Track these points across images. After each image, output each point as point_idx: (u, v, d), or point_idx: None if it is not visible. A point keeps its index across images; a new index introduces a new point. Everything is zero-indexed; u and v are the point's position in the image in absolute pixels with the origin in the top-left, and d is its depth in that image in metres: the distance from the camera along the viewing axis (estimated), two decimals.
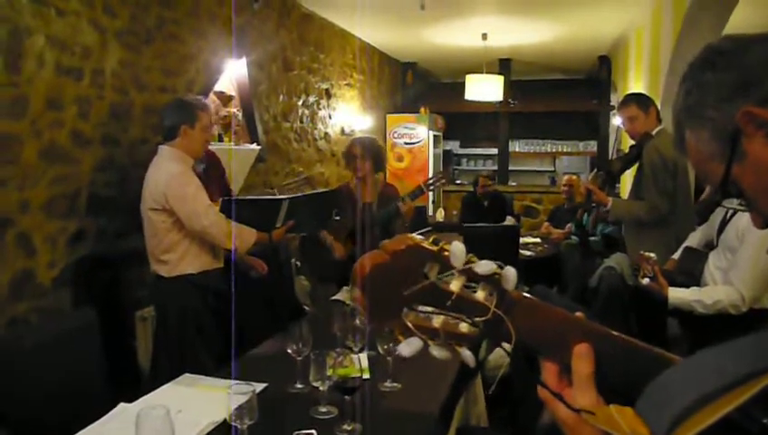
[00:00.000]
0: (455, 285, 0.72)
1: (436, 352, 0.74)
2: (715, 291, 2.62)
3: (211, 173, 3.57)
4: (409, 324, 0.73)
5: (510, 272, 0.73)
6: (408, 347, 0.73)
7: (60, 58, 3.27)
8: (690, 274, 2.82)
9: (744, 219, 2.53)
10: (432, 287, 0.71)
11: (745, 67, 0.76)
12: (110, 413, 1.91)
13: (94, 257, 3.53)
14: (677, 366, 0.68)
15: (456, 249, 0.71)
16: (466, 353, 0.75)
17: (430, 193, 8.75)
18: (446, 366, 2.31)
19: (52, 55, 3.22)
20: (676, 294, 2.66)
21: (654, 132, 3.65)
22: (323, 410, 1.95)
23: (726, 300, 2.54)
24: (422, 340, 0.73)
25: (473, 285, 0.74)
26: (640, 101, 3.77)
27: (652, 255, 2.77)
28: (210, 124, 3.34)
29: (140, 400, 2.03)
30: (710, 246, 2.86)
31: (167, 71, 4.14)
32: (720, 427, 0.60)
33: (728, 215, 2.71)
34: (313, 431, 1.80)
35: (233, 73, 5.13)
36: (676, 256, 3.11)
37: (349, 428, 1.83)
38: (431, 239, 0.73)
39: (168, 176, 3.01)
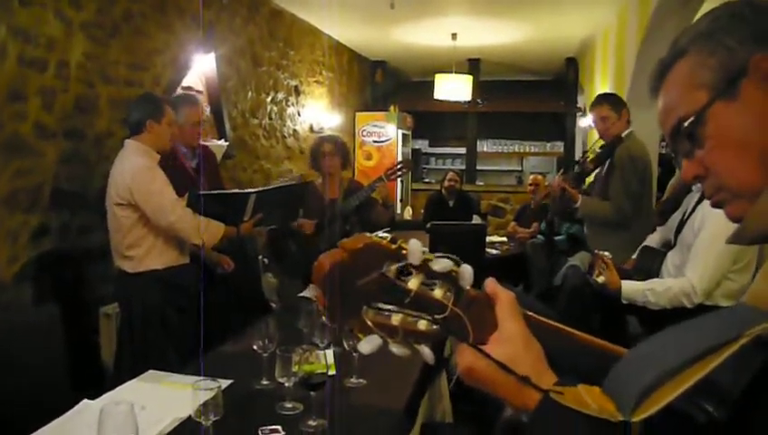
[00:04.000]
0: (413, 283, 0.73)
1: (396, 349, 0.75)
2: (667, 280, 2.69)
3: (205, 168, 3.54)
4: (369, 322, 0.74)
5: (466, 270, 0.74)
6: (367, 345, 0.74)
7: (23, 49, 3.20)
8: (647, 272, 2.88)
9: (699, 216, 2.60)
10: (390, 285, 0.72)
11: None
12: (73, 410, 1.89)
13: (57, 253, 3.47)
14: (642, 345, 0.70)
15: (414, 247, 0.72)
16: (426, 351, 0.76)
17: (398, 190, 8.78)
18: (410, 362, 2.33)
19: (15, 46, 3.16)
20: (629, 286, 2.72)
21: (624, 135, 3.69)
22: (289, 406, 1.95)
23: (677, 287, 2.59)
24: (381, 338, 0.74)
25: (435, 282, 0.75)
26: (613, 101, 3.78)
27: (606, 253, 2.82)
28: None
29: (104, 396, 2.01)
30: (668, 246, 2.92)
31: (133, 65, 4.09)
32: (670, 419, 0.62)
33: (686, 215, 2.78)
34: (279, 427, 1.80)
35: (201, 68, 5.09)
36: (635, 255, 3.18)
37: (314, 424, 1.84)
38: (389, 238, 0.74)
39: (134, 170, 2.98)
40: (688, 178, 0.79)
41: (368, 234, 0.74)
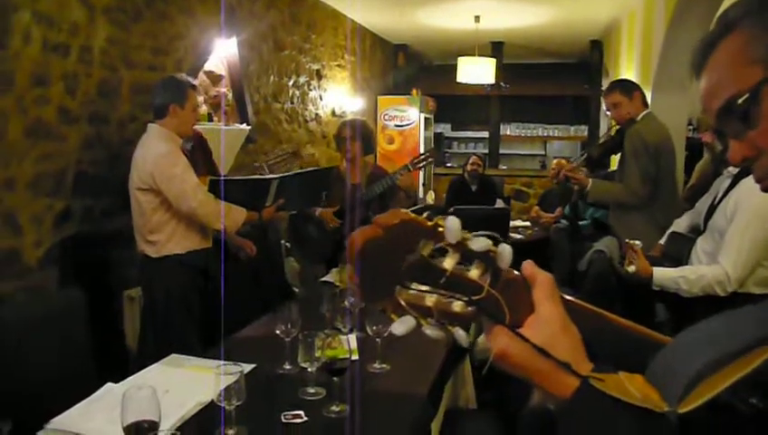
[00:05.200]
0: (448, 263, 0.69)
1: (430, 331, 0.72)
2: (700, 268, 2.62)
3: (198, 153, 3.55)
4: (402, 302, 0.70)
5: (505, 249, 0.70)
6: (401, 326, 0.71)
7: (47, 34, 3.21)
8: (677, 259, 2.82)
9: (732, 202, 2.53)
10: (425, 264, 0.69)
11: None
12: (97, 393, 1.90)
13: (81, 236, 3.50)
14: (687, 332, 0.67)
15: (452, 224, 0.69)
16: (460, 333, 0.72)
17: (420, 175, 8.74)
18: (434, 348, 2.31)
19: (39, 31, 3.16)
20: (660, 273, 2.66)
21: (639, 117, 3.66)
22: (312, 391, 1.95)
23: (711, 275, 2.52)
24: (415, 319, 0.71)
25: (470, 262, 0.71)
26: (623, 86, 3.78)
27: (637, 242, 2.76)
28: (198, 104, 3.31)
29: (127, 380, 2.02)
30: (696, 231, 2.86)
31: (156, 49, 4.09)
32: (709, 410, 0.59)
33: (717, 200, 2.71)
34: (301, 412, 1.80)
35: (223, 53, 5.08)
36: (663, 241, 3.12)
37: (337, 409, 1.83)
38: (425, 215, 0.70)
39: (156, 155, 2.98)
40: (737, 159, 0.74)
41: (403, 210, 0.71)
